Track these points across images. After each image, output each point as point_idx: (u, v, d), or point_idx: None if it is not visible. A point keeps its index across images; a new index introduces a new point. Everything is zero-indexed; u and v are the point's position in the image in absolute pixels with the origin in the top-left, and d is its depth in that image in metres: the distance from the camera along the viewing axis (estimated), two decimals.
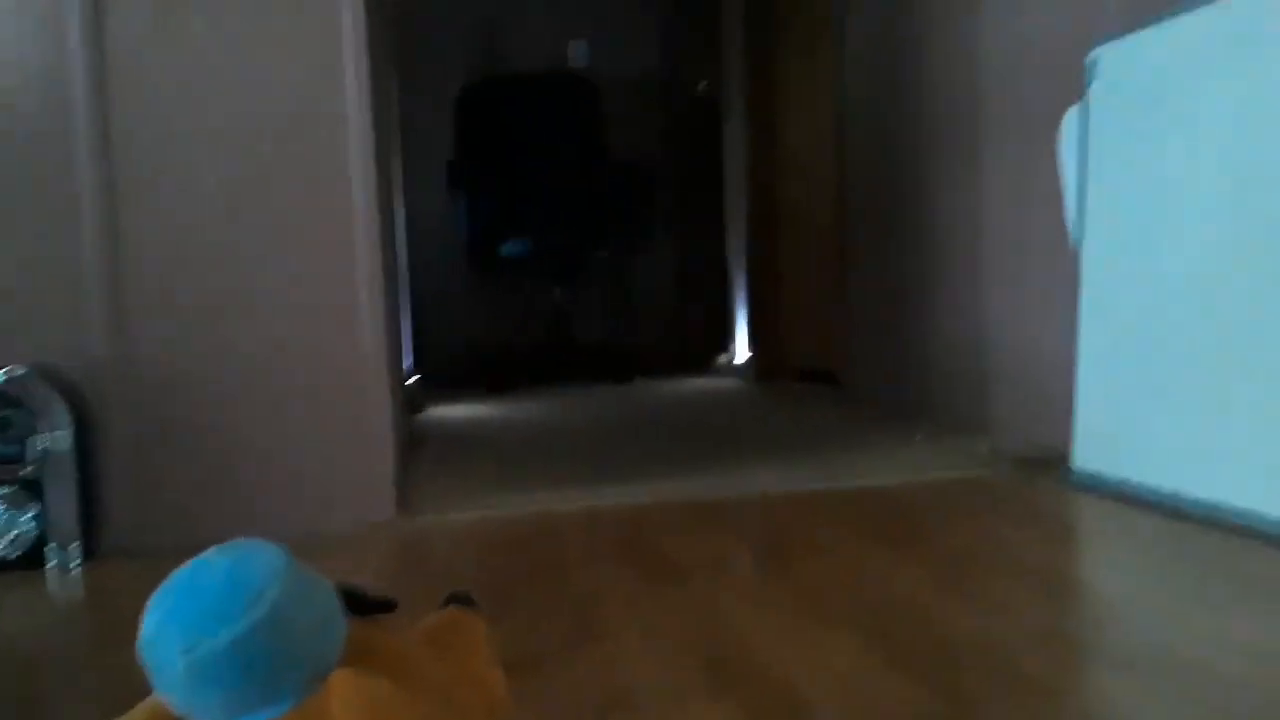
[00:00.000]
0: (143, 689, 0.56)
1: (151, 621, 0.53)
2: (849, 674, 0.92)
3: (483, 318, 4.44)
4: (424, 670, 0.61)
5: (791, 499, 1.74)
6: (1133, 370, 1.62)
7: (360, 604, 0.62)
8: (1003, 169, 2.18)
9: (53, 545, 1.51)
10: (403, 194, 3.21)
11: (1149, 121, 1.62)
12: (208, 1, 1.62)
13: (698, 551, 1.42)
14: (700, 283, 4.58)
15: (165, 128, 1.62)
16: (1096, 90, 1.74)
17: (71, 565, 1.51)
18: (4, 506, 1.50)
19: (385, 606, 0.64)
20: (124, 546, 1.58)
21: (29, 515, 1.51)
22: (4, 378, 1.49)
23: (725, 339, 4.35)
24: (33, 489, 1.51)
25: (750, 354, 4.10)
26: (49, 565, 1.50)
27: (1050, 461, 1.79)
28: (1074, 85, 1.79)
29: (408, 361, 3.27)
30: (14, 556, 1.50)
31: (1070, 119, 1.80)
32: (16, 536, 1.50)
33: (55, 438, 1.51)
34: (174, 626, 0.52)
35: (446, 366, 4.16)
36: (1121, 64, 1.69)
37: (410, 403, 3.06)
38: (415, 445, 2.55)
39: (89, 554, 1.53)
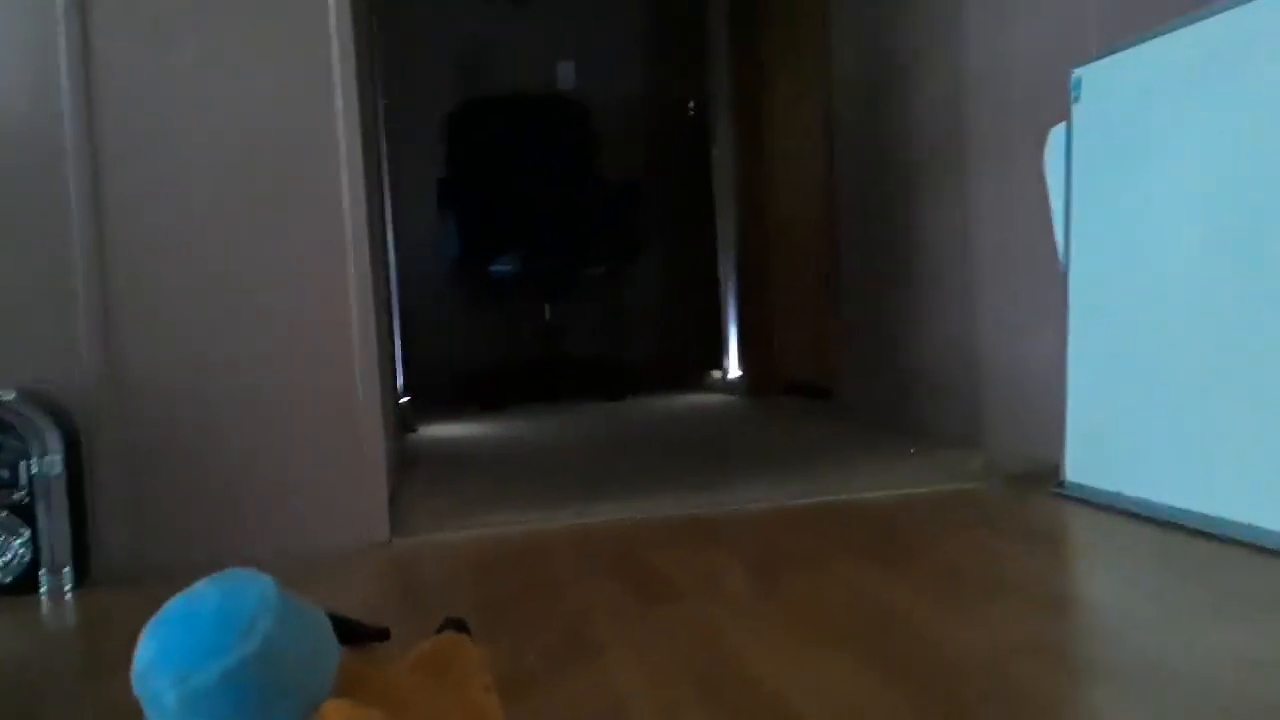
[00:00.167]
0: (137, 718, 0.56)
1: (144, 654, 0.54)
2: (842, 688, 0.92)
3: (474, 336, 4.45)
4: (417, 699, 0.61)
5: (784, 514, 1.74)
6: (1123, 384, 1.63)
7: (352, 634, 0.62)
8: (991, 185, 2.19)
9: (45, 570, 1.50)
10: (393, 213, 3.22)
11: (1132, 140, 1.63)
12: (196, 25, 1.63)
13: (690, 567, 1.42)
14: (691, 299, 4.59)
15: (155, 149, 1.62)
16: (1079, 110, 1.75)
17: (65, 590, 1.50)
18: None
19: (378, 636, 0.64)
20: (117, 570, 1.58)
21: (21, 540, 1.50)
22: None
23: (717, 355, 4.36)
24: (24, 513, 1.51)
25: (742, 369, 4.11)
26: (42, 590, 1.50)
27: (1042, 475, 1.80)
28: (1059, 103, 1.80)
29: (399, 381, 3.27)
30: (6, 582, 1.50)
31: (1056, 136, 1.82)
32: (8, 562, 1.50)
33: (47, 462, 1.50)
34: (166, 659, 0.53)
35: (438, 385, 4.17)
36: (1103, 83, 1.70)
37: (403, 422, 3.06)
38: (408, 465, 2.55)
39: (82, 578, 1.53)
